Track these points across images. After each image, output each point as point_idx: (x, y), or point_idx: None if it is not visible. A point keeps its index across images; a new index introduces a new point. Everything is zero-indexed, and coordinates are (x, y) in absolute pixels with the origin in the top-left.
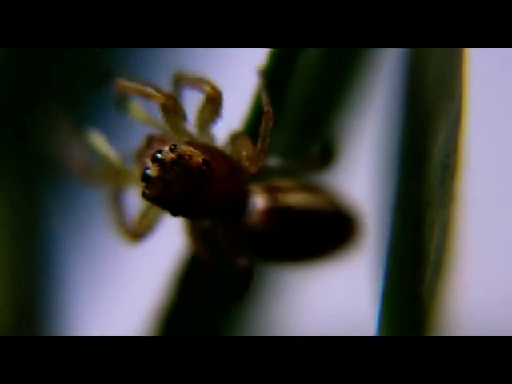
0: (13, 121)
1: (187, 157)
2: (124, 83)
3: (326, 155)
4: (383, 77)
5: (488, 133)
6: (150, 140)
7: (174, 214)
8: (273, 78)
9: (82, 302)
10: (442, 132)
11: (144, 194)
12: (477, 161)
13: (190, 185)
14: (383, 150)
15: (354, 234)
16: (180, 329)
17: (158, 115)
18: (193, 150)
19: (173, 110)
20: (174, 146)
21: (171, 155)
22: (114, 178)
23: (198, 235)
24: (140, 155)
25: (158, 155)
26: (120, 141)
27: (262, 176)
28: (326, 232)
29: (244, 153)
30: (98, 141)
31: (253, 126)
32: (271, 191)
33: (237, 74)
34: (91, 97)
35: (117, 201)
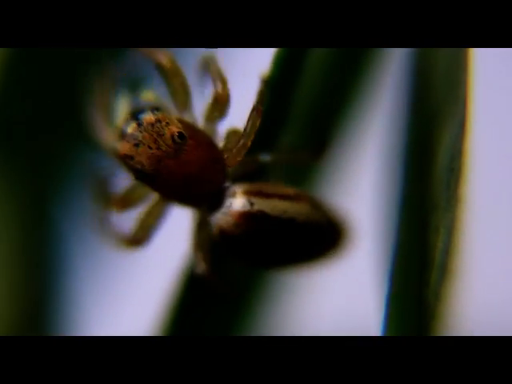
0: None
1: (164, 123)
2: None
3: (318, 148)
4: (388, 80)
5: (494, 136)
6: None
7: (137, 177)
8: (278, 81)
9: (90, 302)
10: (448, 135)
11: (116, 151)
12: (482, 164)
13: (159, 152)
14: (388, 153)
15: (338, 245)
16: (185, 330)
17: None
18: (174, 120)
19: (176, 74)
20: (157, 109)
21: (150, 116)
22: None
23: (205, 251)
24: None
25: (138, 114)
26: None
27: (255, 175)
28: (304, 242)
29: (228, 145)
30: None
31: (259, 131)
32: (251, 194)
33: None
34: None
35: (105, 216)
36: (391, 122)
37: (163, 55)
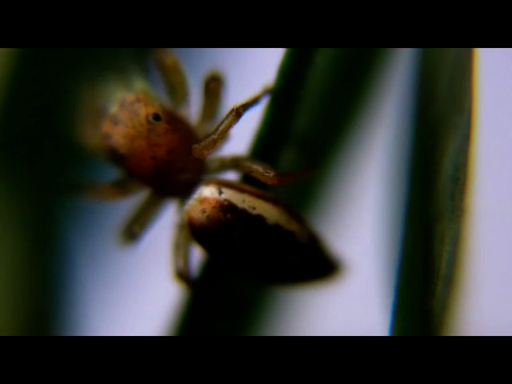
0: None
1: (143, 103)
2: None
3: (312, 163)
4: (393, 92)
5: (498, 146)
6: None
7: (115, 160)
8: (280, 93)
9: (96, 302)
10: (452, 145)
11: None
12: (487, 174)
13: (133, 131)
14: (393, 164)
15: (324, 273)
16: (193, 331)
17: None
18: (154, 102)
19: (176, 72)
20: (139, 93)
21: (130, 96)
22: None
23: (184, 250)
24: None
25: (123, 96)
26: None
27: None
28: (280, 252)
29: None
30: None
31: (263, 142)
32: (223, 185)
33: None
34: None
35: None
36: (396, 133)
37: (165, 53)
